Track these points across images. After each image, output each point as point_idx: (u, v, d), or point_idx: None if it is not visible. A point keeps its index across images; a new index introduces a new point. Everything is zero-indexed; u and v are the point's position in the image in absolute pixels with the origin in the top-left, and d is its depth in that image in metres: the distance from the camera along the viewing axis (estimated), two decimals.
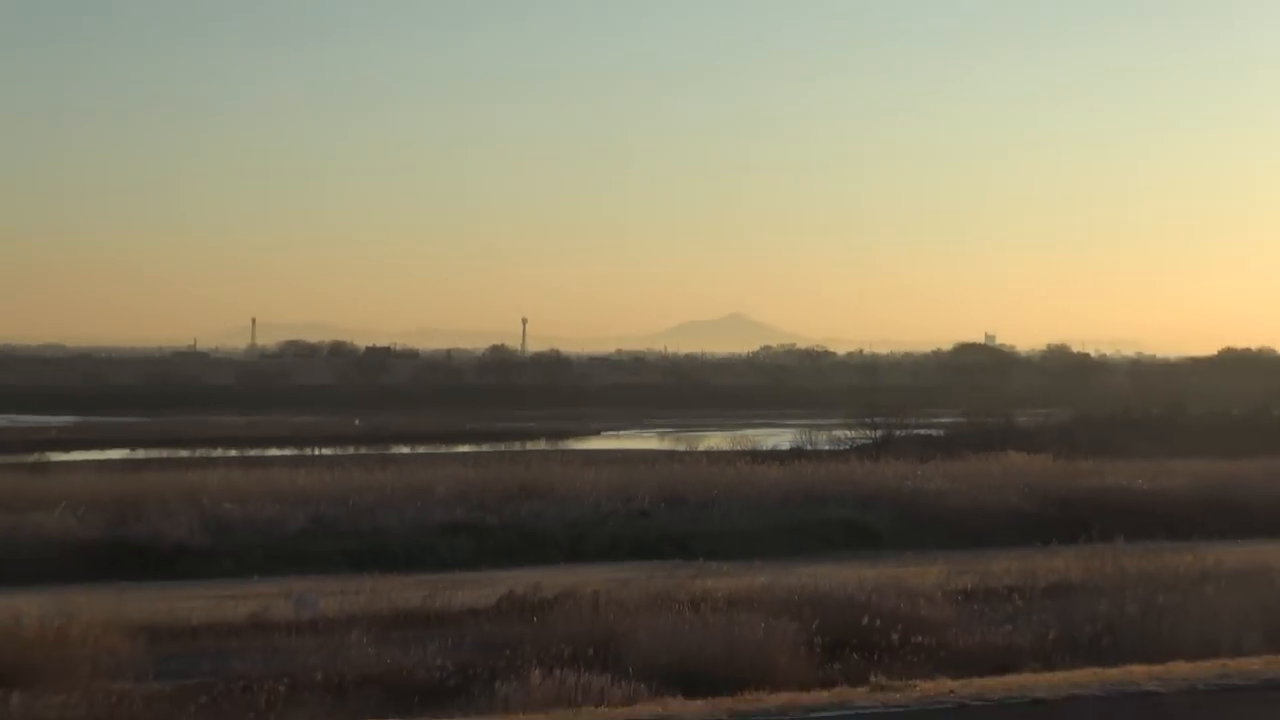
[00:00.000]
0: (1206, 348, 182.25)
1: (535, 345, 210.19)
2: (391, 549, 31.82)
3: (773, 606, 19.82)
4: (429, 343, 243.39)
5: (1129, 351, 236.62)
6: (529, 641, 18.32)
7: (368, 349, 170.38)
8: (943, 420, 77.05)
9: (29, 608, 18.52)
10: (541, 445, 78.82)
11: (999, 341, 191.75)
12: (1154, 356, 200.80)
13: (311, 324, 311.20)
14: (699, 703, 14.67)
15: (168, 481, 38.44)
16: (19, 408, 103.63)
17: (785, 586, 21.66)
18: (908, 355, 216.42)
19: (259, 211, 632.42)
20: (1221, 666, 16.62)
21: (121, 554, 30.59)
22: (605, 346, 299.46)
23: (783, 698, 14.98)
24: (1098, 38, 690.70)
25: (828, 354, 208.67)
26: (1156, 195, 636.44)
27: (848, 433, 68.52)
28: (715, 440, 76.50)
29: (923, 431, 70.12)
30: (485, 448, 71.32)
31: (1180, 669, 16.41)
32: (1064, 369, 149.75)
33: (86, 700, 15.89)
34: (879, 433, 66.45)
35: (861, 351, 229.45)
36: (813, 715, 14.19)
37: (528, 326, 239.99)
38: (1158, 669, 16.42)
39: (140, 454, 66.74)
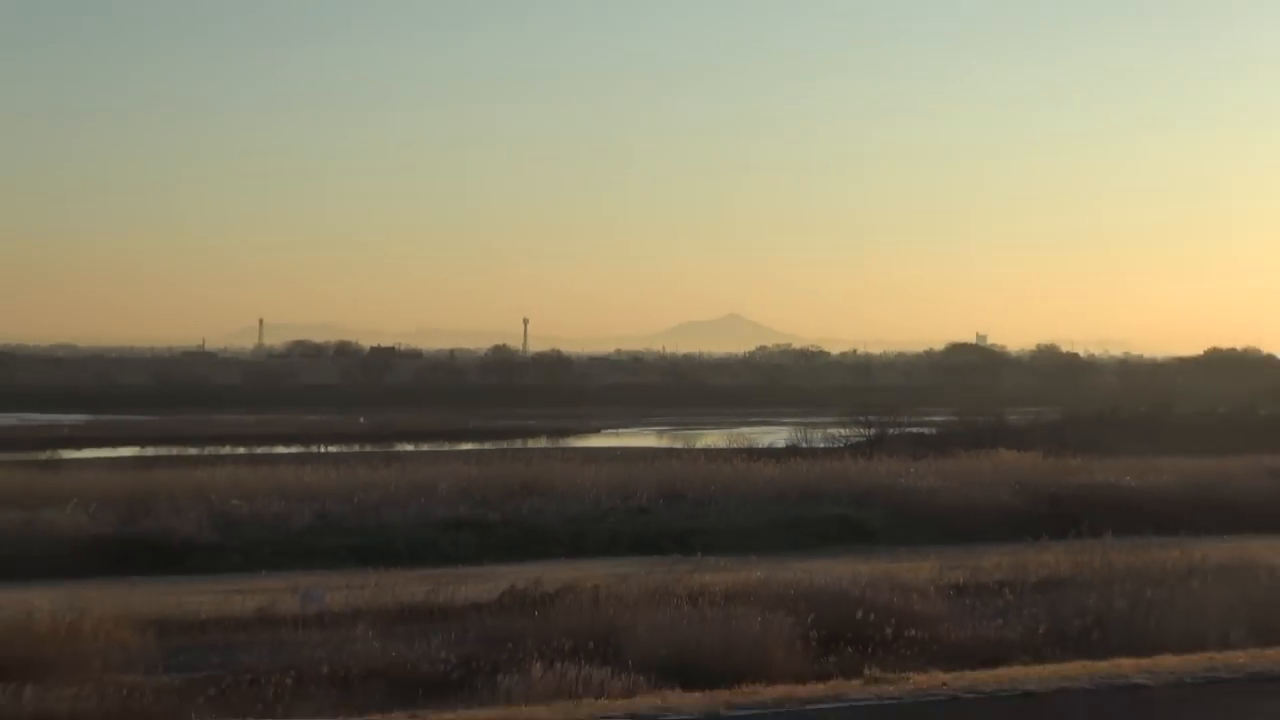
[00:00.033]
0: (1192, 348, 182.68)
1: (536, 345, 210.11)
2: (396, 544, 31.79)
3: (769, 601, 19.79)
4: (432, 343, 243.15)
5: (1117, 351, 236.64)
6: (530, 635, 18.30)
7: (372, 349, 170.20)
8: (935, 419, 77.02)
9: (41, 602, 18.51)
10: (542, 443, 78.82)
11: (990, 342, 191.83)
12: (1141, 356, 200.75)
13: (317, 324, 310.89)
14: (697, 695, 14.67)
15: (177, 479, 38.41)
16: (31, 406, 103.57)
17: (781, 581, 21.64)
18: (900, 355, 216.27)
19: (266, 214, 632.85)
20: (1208, 660, 16.62)
21: (132, 549, 30.58)
22: (605, 346, 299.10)
23: (779, 690, 14.97)
24: (1087, 42, 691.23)
25: (822, 354, 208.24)
26: (1143, 199, 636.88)
27: (842, 431, 68.53)
28: (712, 438, 76.56)
29: (915, 430, 70.07)
30: (487, 445, 71.25)
31: (1167, 662, 16.42)
32: (1053, 369, 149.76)
33: (98, 693, 15.88)
34: (873, 431, 66.45)
35: (855, 351, 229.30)
36: (808, 707, 14.18)
37: (529, 327, 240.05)
38: (1145, 662, 16.42)
39: (150, 452, 66.68)
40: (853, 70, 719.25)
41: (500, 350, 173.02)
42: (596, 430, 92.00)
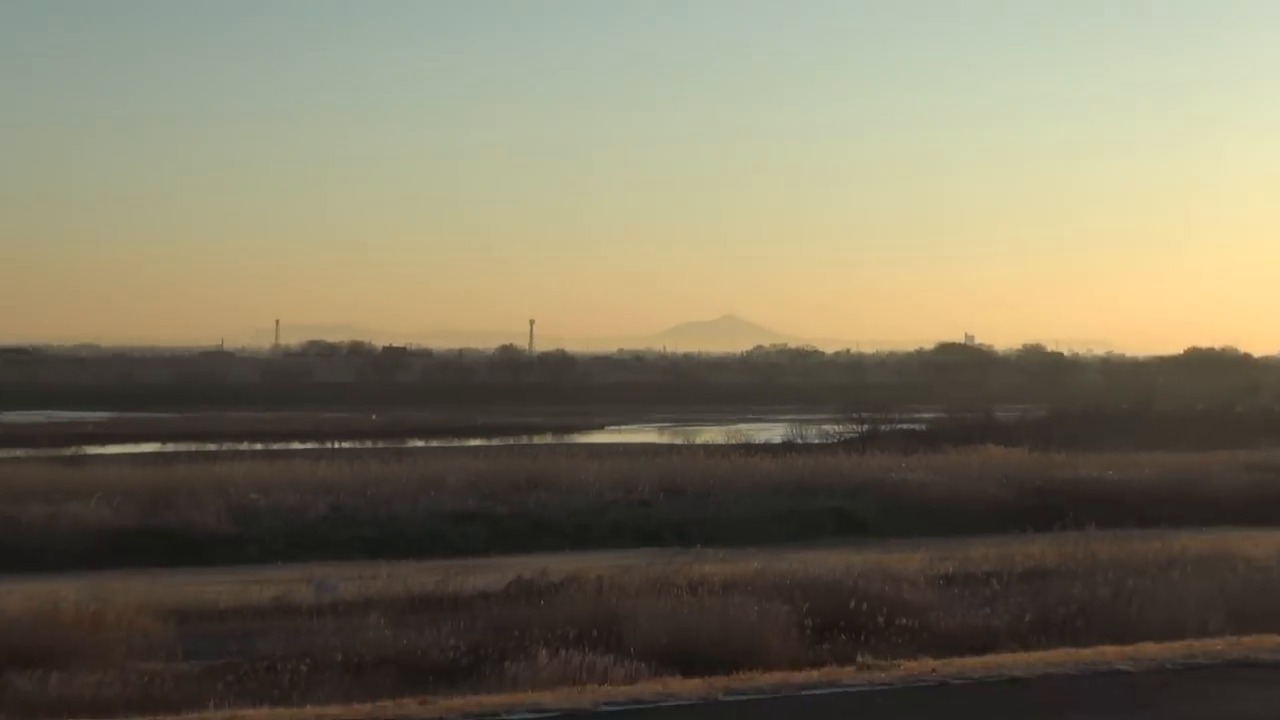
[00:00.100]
0: (1173, 347, 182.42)
1: (542, 345, 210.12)
2: (407, 536, 31.83)
3: (766, 590, 19.79)
4: (442, 343, 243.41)
5: (1100, 351, 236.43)
6: (536, 624, 18.28)
7: (385, 348, 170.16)
8: (925, 415, 76.99)
9: (66, 592, 18.51)
10: (548, 439, 78.75)
11: (978, 341, 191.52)
12: (1124, 355, 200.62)
13: (332, 325, 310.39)
14: (696, 681, 14.65)
15: (197, 473, 38.43)
16: (57, 404, 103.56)
17: (777, 572, 21.63)
18: (892, 354, 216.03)
19: (283, 221, 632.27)
20: (1187, 647, 16.60)
21: (153, 541, 30.62)
22: (608, 346, 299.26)
23: (775, 676, 14.96)
24: (1073, 50, 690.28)
25: (817, 353, 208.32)
26: (1126, 204, 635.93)
27: (835, 427, 68.48)
28: (711, 434, 76.64)
29: (906, 426, 70.07)
30: (495, 441, 71.35)
31: (1149, 649, 16.39)
32: (1039, 367, 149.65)
33: (120, 679, 15.90)
34: (865, 427, 66.43)
35: (848, 351, 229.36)
36: (803, 693, 14.17)
37: (535, 327, 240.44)
38: (1128, 649, 16.39)
39: (171, 447, 66.73)
40: (846, 79, 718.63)
41: (507, 350, 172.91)
42: (599, 427, 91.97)
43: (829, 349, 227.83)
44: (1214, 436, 56.32)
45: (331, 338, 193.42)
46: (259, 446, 63.78)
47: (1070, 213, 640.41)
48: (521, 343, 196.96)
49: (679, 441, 69.06)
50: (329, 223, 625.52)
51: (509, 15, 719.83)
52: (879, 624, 18.66)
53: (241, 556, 30.35)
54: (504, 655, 16.95)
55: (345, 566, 26.29)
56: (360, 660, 16.93)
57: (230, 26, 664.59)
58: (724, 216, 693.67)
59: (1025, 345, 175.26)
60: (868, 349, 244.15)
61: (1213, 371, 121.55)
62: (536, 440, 76.25)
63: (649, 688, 14.43)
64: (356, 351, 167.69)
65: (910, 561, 24.03)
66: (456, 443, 70.24)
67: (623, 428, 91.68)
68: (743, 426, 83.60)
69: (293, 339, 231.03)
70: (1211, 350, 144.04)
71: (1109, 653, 16.20)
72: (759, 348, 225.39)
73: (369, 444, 70.60)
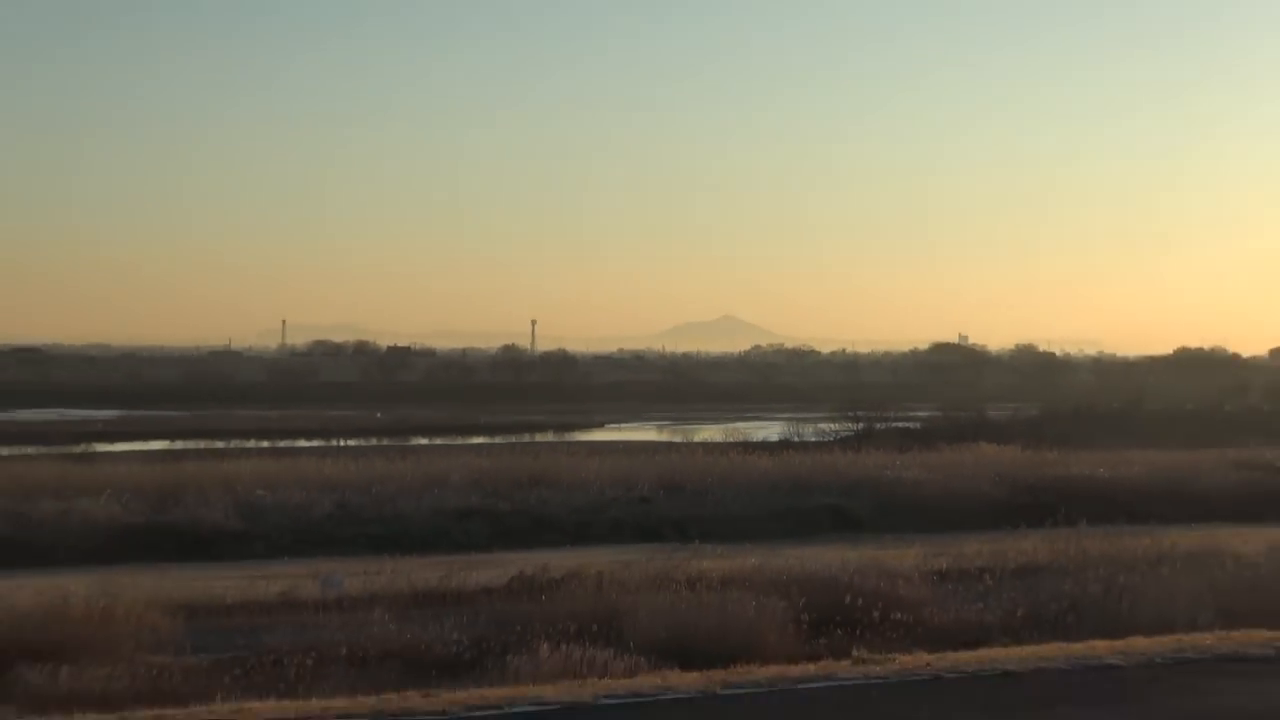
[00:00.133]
0: (1163, 347, 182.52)
1: (544, 345, 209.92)
2: (410, 533, 31.80)
3: (763, 586, 19.79)
4: (446, 342, 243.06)
5: (1092, 351, 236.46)
6: (538, 618, 18.28)
7: (389, 348, 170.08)
8: (919, 414, 76.98)
9: (76, 587, 18.51)
10: (549, 437, 78.71)
11: (971, 341, 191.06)
12: (1115, 355, 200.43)
13: (337, 325, 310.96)
14: (695, 675, 14.65)
15: (205, 470, 38.42)
16: (67, 402, 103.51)
17: (774, 567, 21.63)
18: (887, 354, 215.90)
19: (289, 222, 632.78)
20: (1177, 641, 16.61)
21: (162, 537, 30.62)
22: (608, 346, 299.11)
23: (772, 670, 14.97)
24: (1063, 52, 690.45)
25: (813, 353, 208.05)
26: (1117, 206, 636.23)
27: (831, 426, 68.43)
28: (709, 432, 76.56)
29: (901, 424, 69.97)
30: (497, 439, 71.31)
31: (1139, 644, 16.40)
32: (1032, 367, 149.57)
33: (129, 673, 15.90)
34: (860, 426, 66.34)
35: (844, 350, 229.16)
36: (800, 686, 14.17)
37: (537, 327, 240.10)
38: (1118, 644, 16.40)
39: (179, 445, 66.61)
40: (842, 81, 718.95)
41: (509, 350, 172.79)
42: (600, 425, 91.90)
43: (825, 349, 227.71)
44: (1203, 435, 56.39)
45: (337, 338, 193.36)
46: (266, 444, 63.60)
47: (1062, 215, 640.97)
48: (523, 342, 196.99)
49: (678, 440, 69.00)
50: (334, 225, 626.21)
51: (511, 17, 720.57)
52: (874, 619, 18.67)
53: (248, 552, 30.34)
54: (506, 649, 16.95)
55: (350, 562, 26.28)
56: (365, 654, 16.93)
57: (237, 29, 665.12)
58: (723, 218, 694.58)
59: (1018, 345, 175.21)
60: (863, 349, 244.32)
61: (1202, 371, 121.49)
62: (538, 438, 76.17)
63: (648, 681, 14.45)
64: (361, 351, 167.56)
65: (905, 558, 24.01)
66: (459, 441, 70.17)
67: (623, 426, 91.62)
68: (740, 425, 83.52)
69: (299, 339, 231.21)
70: (1201, 350, 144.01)
71: (1100, 647, 16.21)
72: (757, 347, 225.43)
73: (374, 442, 70.53)
